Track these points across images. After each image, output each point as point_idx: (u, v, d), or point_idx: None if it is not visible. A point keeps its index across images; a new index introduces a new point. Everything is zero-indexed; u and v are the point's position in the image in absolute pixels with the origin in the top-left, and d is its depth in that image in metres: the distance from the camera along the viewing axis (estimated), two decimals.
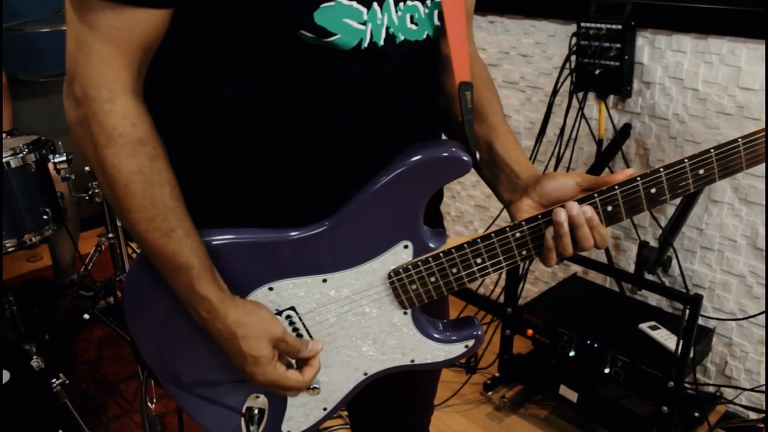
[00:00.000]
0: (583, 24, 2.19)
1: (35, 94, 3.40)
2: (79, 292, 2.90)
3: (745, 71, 1.97)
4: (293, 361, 0.99)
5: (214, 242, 0.93)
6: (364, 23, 0.87)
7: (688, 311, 1.83)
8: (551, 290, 2.49)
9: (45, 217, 2.20)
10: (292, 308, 0.99)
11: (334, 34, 0.85)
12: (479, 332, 1.06)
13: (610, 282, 2.51)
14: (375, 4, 0.87)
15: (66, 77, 0.85)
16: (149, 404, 2.35)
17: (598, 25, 2.16)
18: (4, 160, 2.12)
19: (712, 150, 0.91)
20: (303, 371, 0.97)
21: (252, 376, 0.94)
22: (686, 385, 2.13)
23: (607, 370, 2.08)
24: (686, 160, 0.92)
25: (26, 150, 2.15)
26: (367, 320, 1.02)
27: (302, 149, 0.92)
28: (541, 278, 2.79)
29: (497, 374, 2.45)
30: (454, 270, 0.98)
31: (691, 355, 1.93)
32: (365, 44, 0.88)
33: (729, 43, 1.99)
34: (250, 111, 0.90)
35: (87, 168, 2.32)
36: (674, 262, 2.23)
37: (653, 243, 2.21)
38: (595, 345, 2.11)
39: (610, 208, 0.94)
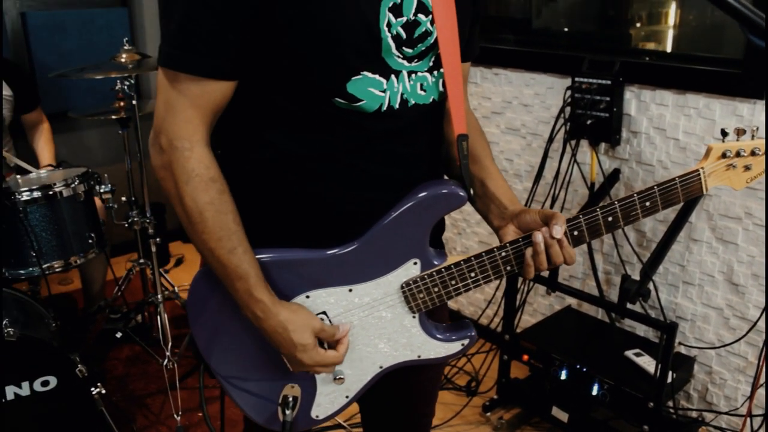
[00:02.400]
0: (577, 79, 2.45)
1: (80, 128, 3.73)
2: (109, 315, 3.11)
3: (719, 123, 2.21)
4: (326, 345, 1.23)
5: (265, 259, 1.18)
6: (384, 91, 1.13)
7: (665, 337, 2.04)
8: (546, 320, 2.70)
9: (90, 241, 2.45)
10: (324, 312, 1.22)
11: (361, 100, 1.11)
12: (473, 333, 1.29)
13: (601, 314, 2.72)
14: (393, 76, 1.13)
15: (153, 131, 1.11)
16: (175, 416, 2.57)
17: (591, 80, 2.42)
18: (56, 189, 2.38)
19: (655, 187, 1.16)
20: (337, 349, 1.21)
21: (301, 360, 1.17)
22: (669, 410, 2.33)
23: (594, 393, 2.28)
24: (635, 195, 1.17)
25: (77, 181, 2.41)
26: (383, 322, 1.25)
27: (334, 187, 1.17)
28: (539, 310, 3.00)
29: (496, 397, 2.65)
30: (453, 282, 1.22)
31: (670, 379, 2.14)
32: (384, 107, 1.13)
33: (705, 99, 2.24)
34: (294, 157, 1.15)
35: (123, 198, 2.58)
36: (658, 294, 2.45)
37: (636, 277, 2.42)
38: (584, 369, 2.31)
39: (576, 233, 1.19)
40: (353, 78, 1.09)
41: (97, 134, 3.84)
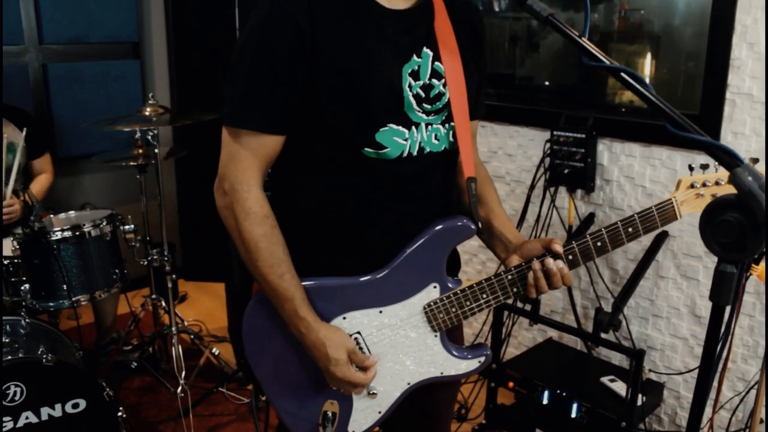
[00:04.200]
0: (555, 132, 2.74)
1: (101, 171, 4.00)
2: (122, 347, 3.31)
3: (680, 173, 2.51)
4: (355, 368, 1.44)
5: (308, 285, 1.41)
6: (406, 140, 1.39)
7: (634, 363, 2.29)
8: (530, 351, 2.95)
9: (114, 276, 2.68)
10: (359, 332, 1.45)
11: (386, 147, 1.37)
12: (488, 352, 1.52)
13: (580, 345, 2.97)
14: (413, 127, 1.40)
15: (218, 178, 1.37)
16: None
17: (567, 134, 2.71)
18: (85, 229, 2.62)
19: (635, 215, 1.38)
20: (366, 373, 1.43)
21: (333, 373, 1.39)
22: (641, 431, 2.57)
23: (573, 415, 2.52)
24: (619, 222, 1.39)
25: (104, 222, 2.65)
26: (409, 341, 1.47)
27: (364, 223, 1.42)
28: (523, 342, 3.25)
29: (484, 422, 2.88)
30: (468, 303, 1.45)
31: (640, 402, 2.38)
32: (405, 154, 1.40)
33: (667, 151, 2.54)
34: (330, 198, 1.41)
35: (148, 237, 2.82)
36: (629, 325, 2.71)
37: (609, 309, 2.68)
38: (564, 394, 2.56)
39: (570, 257, 1.42)
40: (381, 129, 1.36)
41: (113, 177, 4.10)
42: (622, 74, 1.01)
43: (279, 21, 1.29)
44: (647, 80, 2.56)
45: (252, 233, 1.35)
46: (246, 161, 1.34)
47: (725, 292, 0.98)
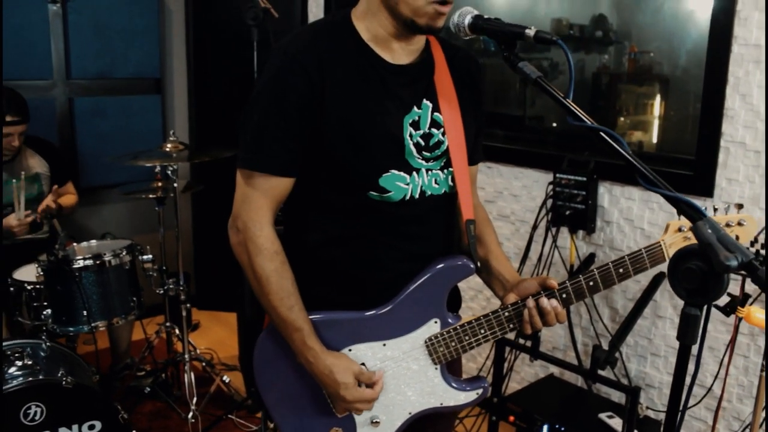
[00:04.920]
0: (558, 175, 2.86)
1: (121, 201, 4.16)
2: (136, 373, 3.41)
3: (678, 216, 2.60)
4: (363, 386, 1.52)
5: (316, 319, 1.51)
6: (408, 184, 1.50)
7: (630, 399, 2.37)
8: (531, 386, 3.02)
9: (131, 304, 2.79)
10: (363, 363, 1.54)
11: (390, 191, 1.49)
12: (486, 385, 1.61)
13: (581, 382, 3.04)
14: (414, 172, 1.51)
15: (231, 216, 1.49)
16: None
17: (569, 177, 2.82)
18: (106, 258, 2.74)
19: (626, 257, 1.46)
20: (373, 388, 1.52)
21: (344, 397, 1.49)
22: None
23: None
24: (610, 264, 1.46)
25: (124, 252, 2.78)
26: (411, 373, 1.56)
27: (368, 260, 1.53)
28: (525, 378, 3.32)
29: None
30: (467, 337, 1.54)
31: None
32: (407, 197, 1.51)
33: None
34: (336, 236, 1.52)
35: (164, 267, 2.94)
36: (628, 363, 2.78)
37: (606, 347, 2.77)
38: (562, 428, 2.62)
39: (564, 296, 1.49)
40: (384, 174, 1.47)
41: (131, 207, 4.26)
42: (601, 134, 1.13)
43: (291, 73, 1.42)
44: (655, 122, 2.65)
45: (264, 268, 1.46)
46: (258, 201, 1.46)
47: (691, 333, 1.07)
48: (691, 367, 2.61)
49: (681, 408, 1.13)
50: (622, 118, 3.05)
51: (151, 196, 3.15)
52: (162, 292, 3.05)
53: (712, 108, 2.47)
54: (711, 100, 2.47)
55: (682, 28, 2.70)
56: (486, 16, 1.39)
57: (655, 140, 2.97)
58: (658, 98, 2.89)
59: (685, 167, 2.59)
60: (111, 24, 3.96)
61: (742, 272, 0.97)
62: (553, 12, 3.17)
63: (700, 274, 1.02)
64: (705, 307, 1.06)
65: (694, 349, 2.57)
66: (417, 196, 1.52)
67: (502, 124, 3.45)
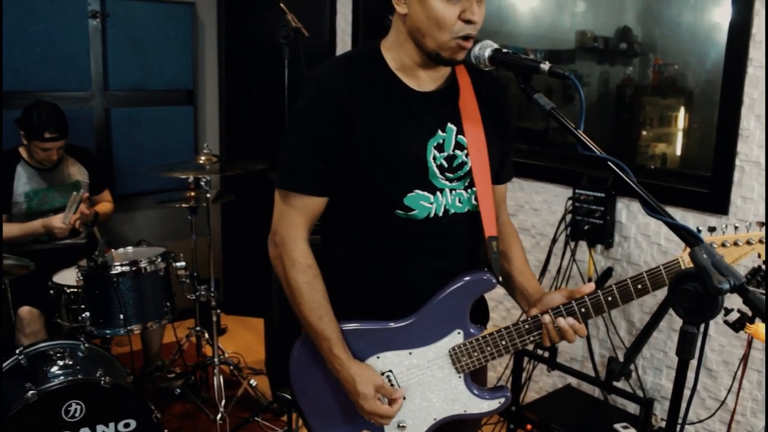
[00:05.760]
0: (577, 190, 2.94)
1: (154, 208, 4.32)
2: (166, 375, 3.54)
3: None
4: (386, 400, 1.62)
5: (347, 328, 1.62)
6: (432, 203, 1.60)
7: (643, 410, 2.44)
8: (549, 395, 3.10)
9: (165, 309, 2.92)
10: (390, 370, 1.64)
11: (414, 210, 1.59)
12: (508, 394, 1.69)
13: (598, 393, 3.11)
14: (438, 192, 1.61)
15: (271, 231, 1.61)
16: None
17: (588, 192, 2.90)
18: (142, 265, 2.88)
19: (644, 273, 1.51)
20: (392, 406, 1.61)
21: (362, 406, 1.59)
22: None
23: None
24: (629, 280, 1.50)
25: (159, 258, 2.91)
26: (436, 380, 1.65)
27: (396, 274, 1.63)
28: (544, 388, 3.40)
29: None
30: (488, 348, 1.63)
31: None
32: (431, 215, 1.61)
33: (681, 212, 2.71)
34: (365, 251, 1.63)
35: (196, 273, 3.07)
36: (644, 375, 2.85)
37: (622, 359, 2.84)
38: None
39: (583, 310, 1.56)
40: (408, 194, 1.58)
41: (164, 214, 4.41)
42: (609, 163, 1.22)
43: (322, 101, 1.54)
44: (679, 135, 2.70)
45: (297, 280, 1.58)
46: (294, 219, 1.58)
47: (687, 349, 1.16)
48: (705, 381, 2.70)
49: (680, 421, 1.20)
50: (644, 132, 3.09)
51: (184, 205, 3.28)
52: (193, 297, 3.17)
53: (727, 128, 2.54)
54: (726, 120, 2.54)
55: (705, 40, 2.74)
56: (505, 50, 1.49)
57: (678, 152, 2.99)
58: (682, 110, 2.91)
59: (702, 185, 2.66)
60: (146, 38, 4.12)
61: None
62: (578, 24, 3.22)
63: (697, 296, 1.11)
64: (703, 324, 1.14)
65: (712, 364, 2.68)
66: (441, 214, 1.62)
67: (526, 138, 3.52)
